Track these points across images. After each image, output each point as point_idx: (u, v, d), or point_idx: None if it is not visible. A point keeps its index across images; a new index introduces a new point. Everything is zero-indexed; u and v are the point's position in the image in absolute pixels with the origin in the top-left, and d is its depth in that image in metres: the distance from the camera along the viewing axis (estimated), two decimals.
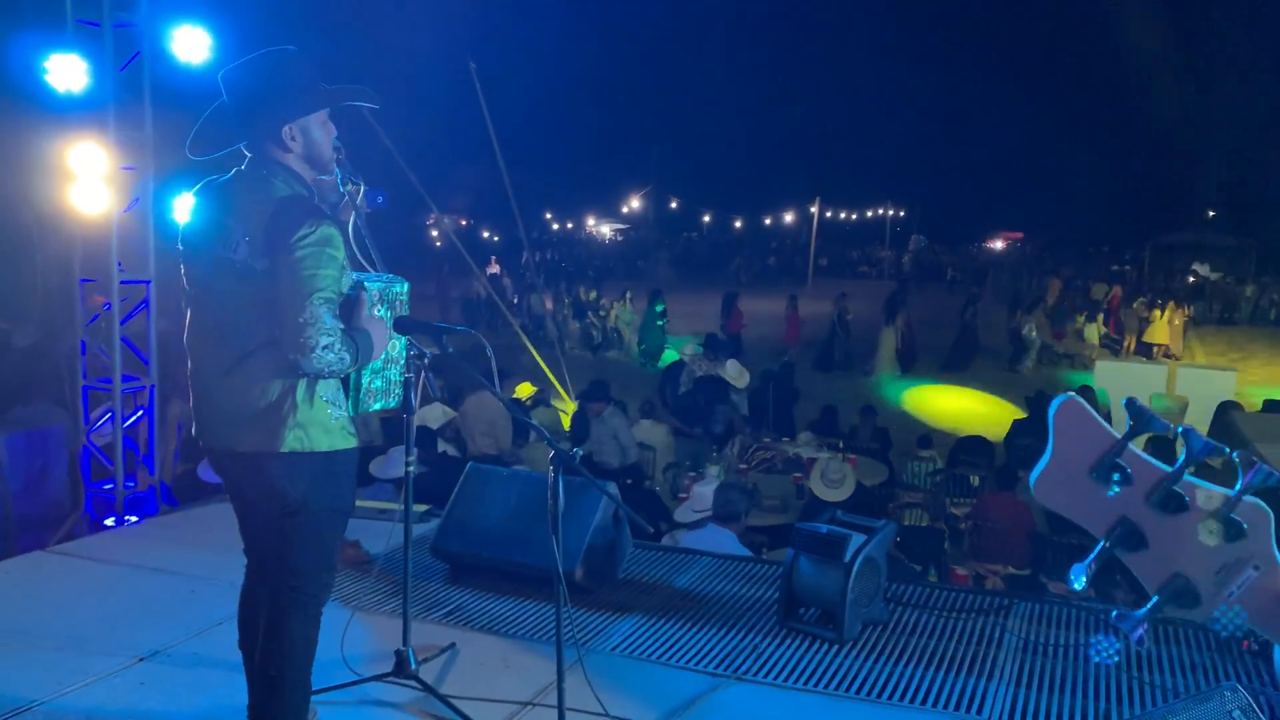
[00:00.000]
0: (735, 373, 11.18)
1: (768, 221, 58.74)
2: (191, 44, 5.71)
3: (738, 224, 58.21)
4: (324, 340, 2.47)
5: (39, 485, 6.69)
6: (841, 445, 10.09)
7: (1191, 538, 0.95)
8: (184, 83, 5.75)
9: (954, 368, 18.50)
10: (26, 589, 4.17)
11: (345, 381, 2.76)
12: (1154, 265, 34.96)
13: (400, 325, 2.83)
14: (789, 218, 55.22)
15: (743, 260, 38.44)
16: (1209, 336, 23.62)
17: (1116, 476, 1.01)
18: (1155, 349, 19.79)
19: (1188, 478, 0.99)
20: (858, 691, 3.32)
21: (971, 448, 10.41)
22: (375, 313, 2.74)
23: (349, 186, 3.23)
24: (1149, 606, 1.02)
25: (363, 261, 2.92)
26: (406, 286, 2.95)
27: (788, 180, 53.75)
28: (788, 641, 3.72)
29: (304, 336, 2.46)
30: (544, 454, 7.28)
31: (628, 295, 21.29)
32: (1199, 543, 0.95)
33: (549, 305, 21.18)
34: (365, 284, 2.72)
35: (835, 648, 3.64)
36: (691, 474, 8.37)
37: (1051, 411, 1.09)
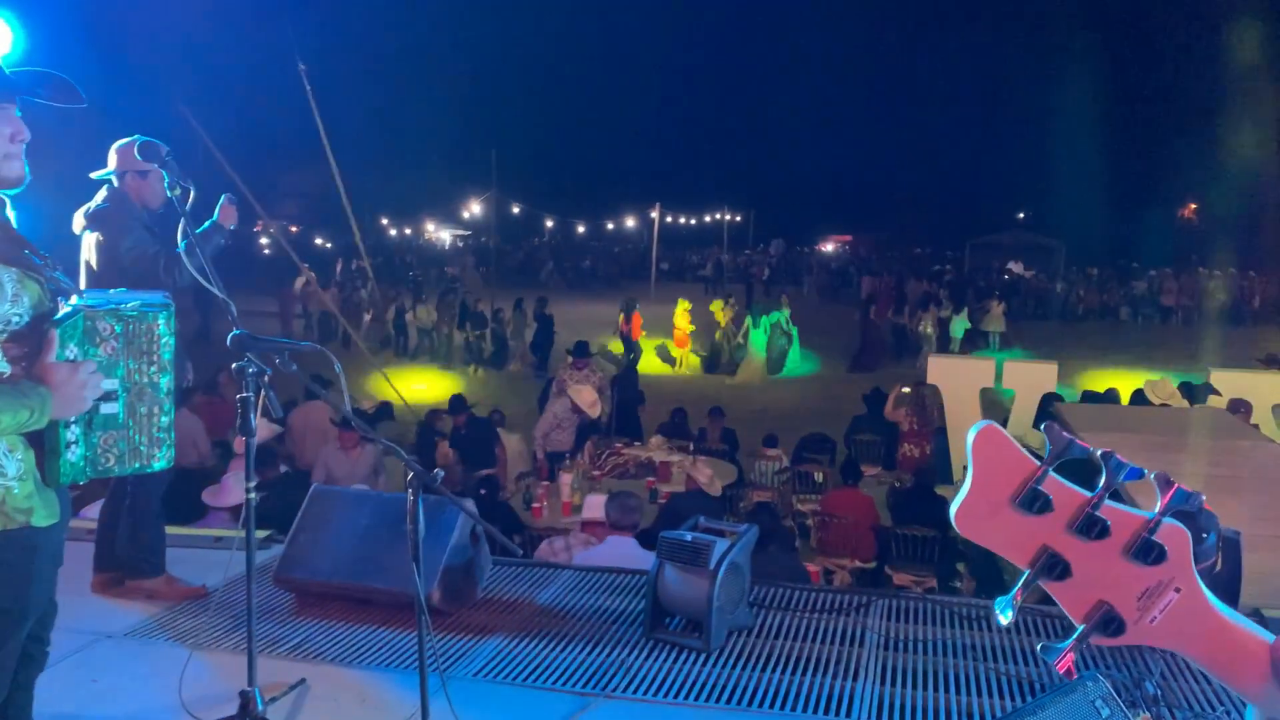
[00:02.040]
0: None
1: (609, 226, 59.11)
2: None
3: (580, 229, 58.36)
4: None
5: None
6: (691, 447, 10.17)
7: (1114, 562, 0.95)
8: None
9: (862, 368, 19.03)
10: None
11: (37, 441, 2.16)
12: (973, 264, 37.02)
13: (237, 343, 2.60)
14: (630, 222, 55.70)
15: (556, 264, 38.80)
16: (1025, 331, 25.10)
17: (1038, 505, 1.00)
18: (992, 336, 21.98)
19: (1108, 502, 0.99)
20: (727, 700, 3.29)
21: (814, 444, 10.69)
22: (69, 354, 2.15)
23: (176, 191, 2.99)
24: (1074, 636, 1.01)
25: (198, 279, 2.67)
26: (165, 315, 2.37)
27: (629, 185, 54.24)
28: (655, 653, 3.66)
29: None
30: (393, 466, 7.02)
31: (523, 304, 21.04)
32: (1120, 569, 0.95)
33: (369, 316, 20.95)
34: (58, 315, 2.18)
35: (703, 657, 3.61)
36: (545, 483, 8.25)
37: (970, 439, 1.07)
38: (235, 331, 2.64)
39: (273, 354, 2.68)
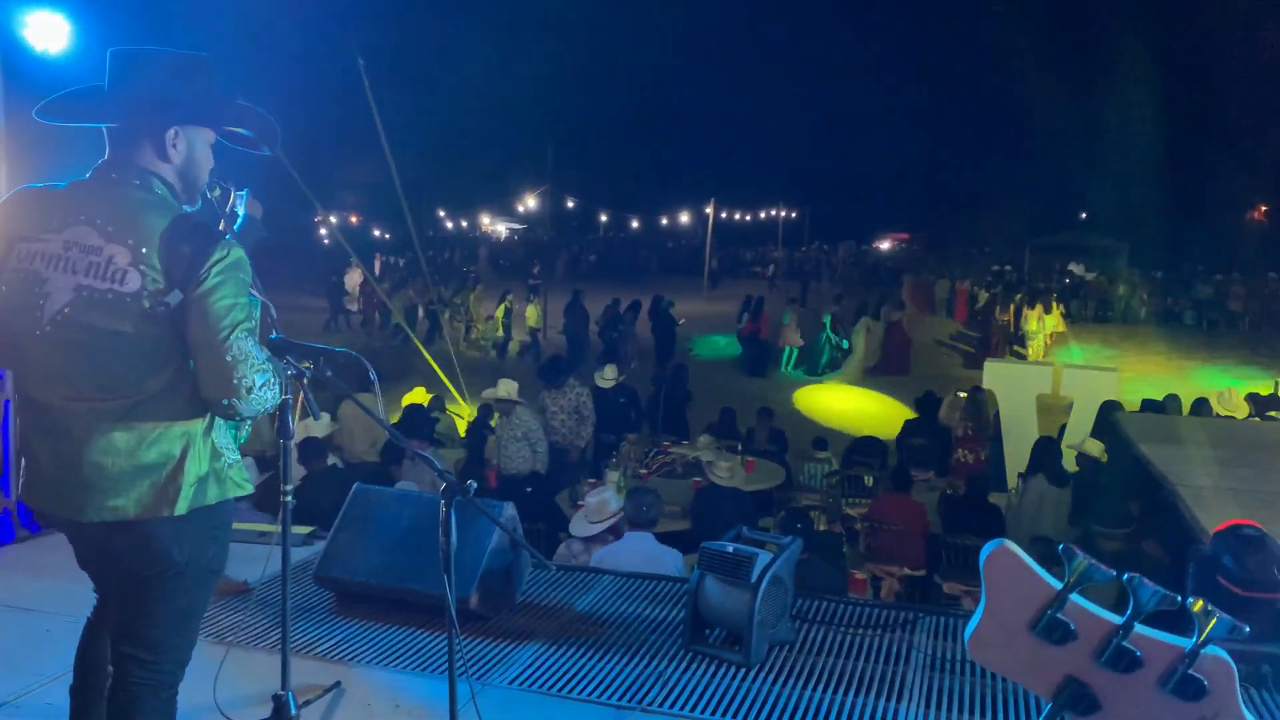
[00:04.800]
0: (610, 374, 11.12)
1: (664, 221, 59.02)
2: (48, 31, 5.27)
3: (635, 224, 58.36)
4: (259, 379, 2.17)
5: None
6: (739, 447, 10.08)
7: (1148, 697, 0.85)
8: (40, 73, 5.29)
9: (892, 371, 18.82)
10: None
11: None
12: (1032, 265, 36.27)
13: (274, 347, 2.57)
14: (685, 218, 55.56)
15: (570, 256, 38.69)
16: (1085, 334, 24.54)
17: (1058, 634, 0.90)
18: (1050, 338, 21.07)
19: (1139, 629, 0.89)
20: (767, 718, 3.21)
21: (865, 448, 10.52)
22: None
23: (216, 192, 2.97)
24: None
25: None
26: (258, 304, 2.69)
27: (684, 181, 54.11)
28: (694, 666, 3.58)
29: (236, 377, 2.14)
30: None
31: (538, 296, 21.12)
32: (1158, 703, 0.85)
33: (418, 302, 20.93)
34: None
35: (742, 671, 3.53)
36: (591, 480, 8.21)
37: (981, 561, 0.99)
38: (273, 335, 2.61)
39: (309, 359, 2.65)
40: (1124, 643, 0.91)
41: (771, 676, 3.50)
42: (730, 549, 3.64)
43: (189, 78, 2.31)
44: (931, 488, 9.44)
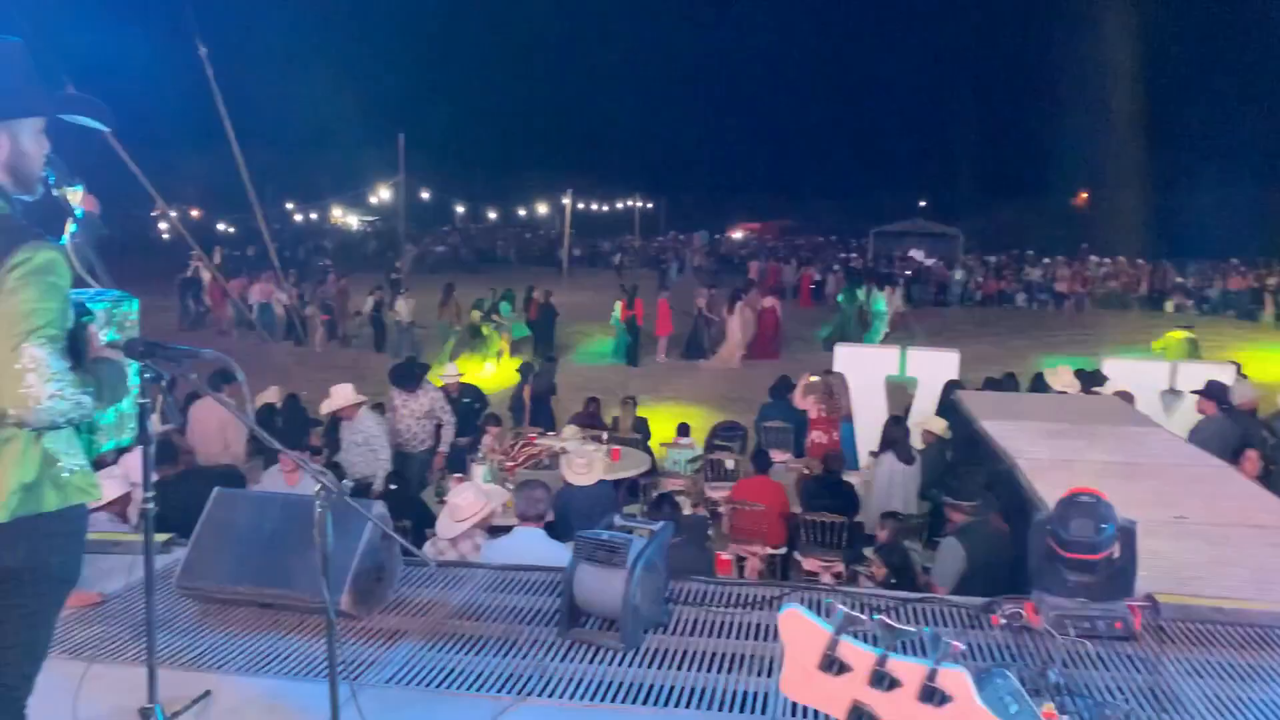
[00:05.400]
0: (451, 372, 11.10)
1: (522, 212, 58.66)
2: None
3: (492, 215, 57.76)
4: (50, 388, 2.07)
5: None
6: (605, 437, 10.18)
7: (911, 708, 1.08)
8: None
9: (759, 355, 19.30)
10: None
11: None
12: (876, 252, 37.77)
13: (131, 349, 2.49)
14: (542, 209, 55.36)
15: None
16: (926, 317, 25.74)
17: (836, 668, 1.12)
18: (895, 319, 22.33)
19: (893, 656, 1.11)
20: (645, 700, 3.30)
21: (726, 433, 10.80)
22: (102, 339, 2.36)
23: (62, 190, 2.84)
24: None
25: (85, 278, 2.56)
26: (136, 305, 2.62)
27: (542, 172, 53.78)
28: (572, 653, 3.64)
29: (24, 387, 2.05)
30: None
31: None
32: (918, 712, 1.08)
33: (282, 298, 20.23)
34: (88, 307, 2.36)
35: (620, 655, 3.61)
36: (457, 476, 8.15)
37: (779, 623, 1.22)
38: (131, 336, 2.53)
39: (172, 361, 2.57)
40: (882, 669, 1.13)
41: (648, 659, 3.60)
42: (604, 536, 3.71)
43: (3, 67, 2.24)
44: (790, 468, 9.78)
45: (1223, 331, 23.08)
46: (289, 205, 47.37)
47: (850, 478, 8.98)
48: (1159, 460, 6.51)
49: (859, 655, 1.17)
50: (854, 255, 37.24)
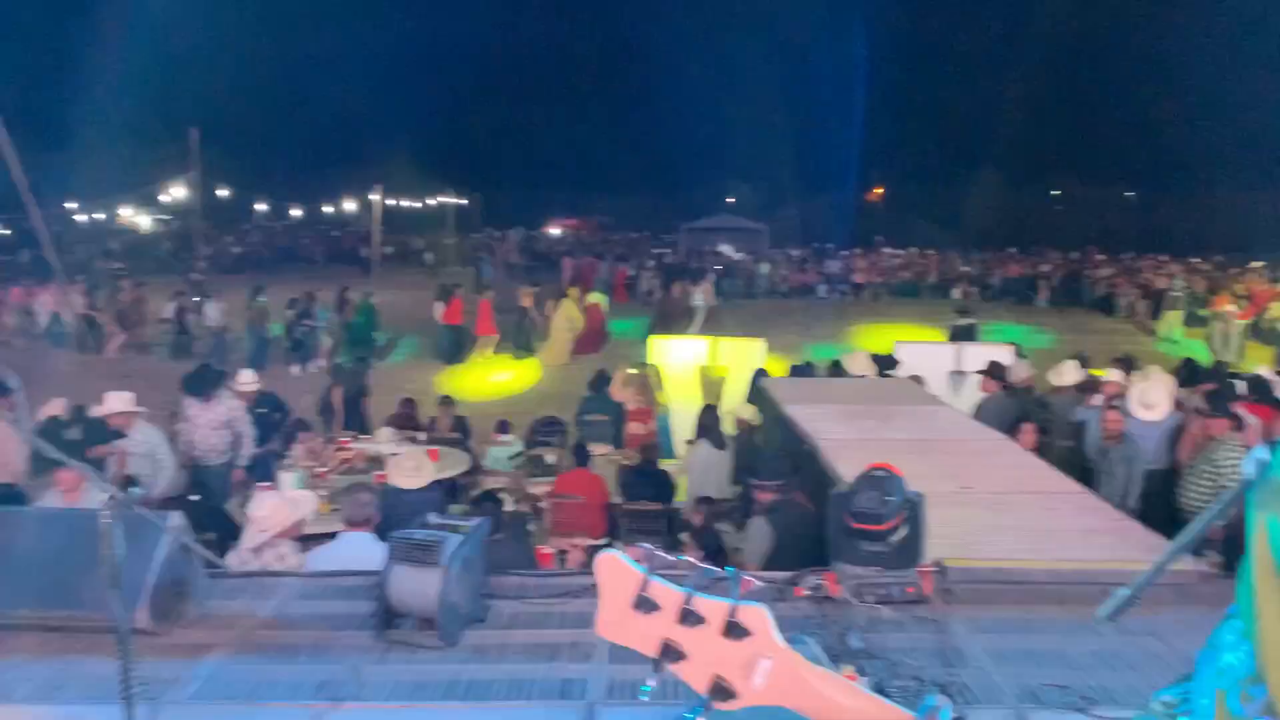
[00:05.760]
0: (247, 379, 10.44)
1: (329, 209, 56.67)
2: None
3: (297, 212, 55.52)
4: None
5: None
6: (423, 438, 10.02)
7: (715, 643, 1.19)
8: None
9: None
10: None
11: None
12: (688, 248, 38.69)
13: None
14: (351, 205, 53.66)
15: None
16: (736, 310, 26.56)
17: (647, 607, 1.21)
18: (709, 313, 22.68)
19: (696, 594, 1.21)
20: (464, 697, 3.29)
21: (546, 428, 10.84)
22: None
23: None
24: (700, 707, 1.22)
25: None
26: None
27: (350, 168, 52.07)
28: (389, 656, 3.59)
29: None
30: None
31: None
32: (720, 647, 1.19)
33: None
34: None
35: (439, 654, 3.58)
36: (264, 484, 7.83)
37: (595, 568, 1.29)
38: None
39: None
40: (689, 607, 1.23)
41: (466, 655, 3.59)
42: (419, 535, 3.68)
43: None
44: (610, 460, 9.93)
45: (1002, 315, 24.90)
46: (69, 205, 43.99)
47: (668, 466, 9.21)
48: (947, 436, 7.01)
49: (668, 595, 1.25)
50: (667, 251, 38.01)
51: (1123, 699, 3.30)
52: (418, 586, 3.64)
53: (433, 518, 3.91)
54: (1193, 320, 22.25)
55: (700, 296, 22.89)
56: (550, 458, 9.95)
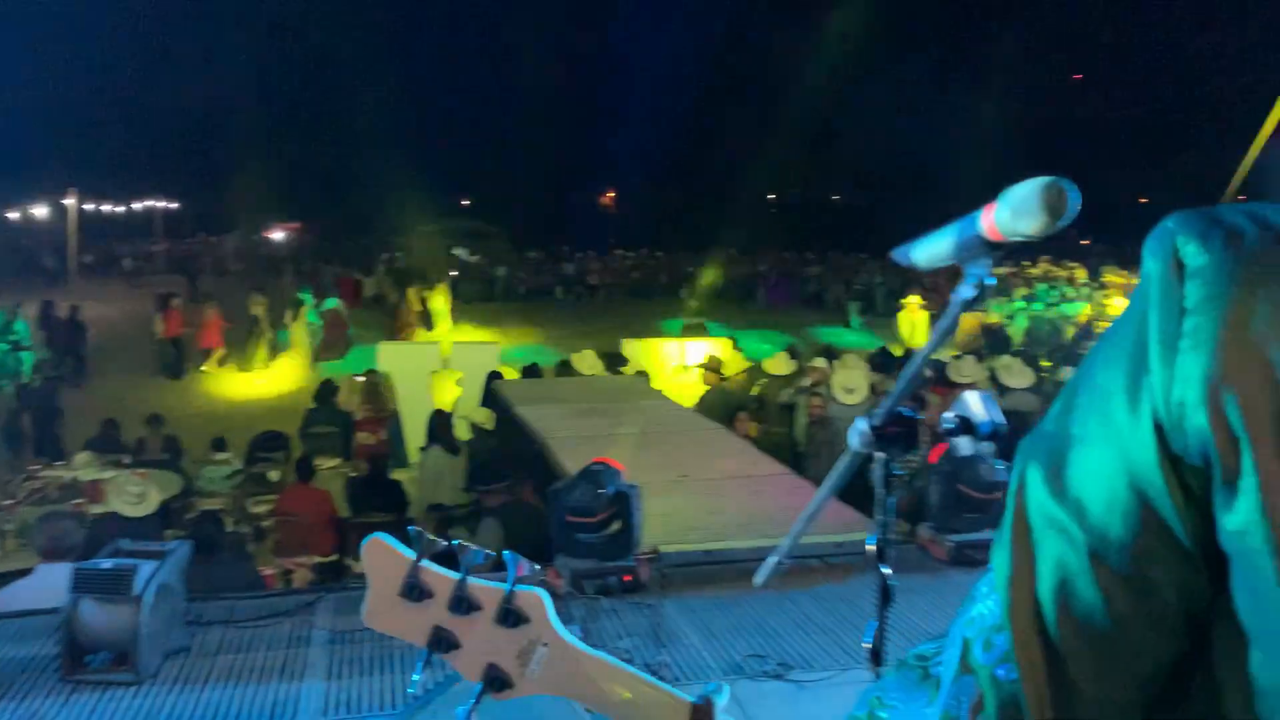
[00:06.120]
0: None
1: (14, 215, 50.96)
2: None
3: None
4: None
5: None
6: (130, 460, 9.27)
7: (489, 631, 1.15)
8: None
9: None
10: None
11: None
12: (420, 251, 37.97)
13: None
14: (40, 212, 48.56)
15: None
16: (473, 313, 26.40)
17: (417, 593, 1.15)
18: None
19: (471, 579, 1.17)
20: None
21: (267, 444, 10.31)
22: None
23: None
24: (474, 696, 1.17)
25: None
26: None
27: (36, 169, 47.05)
28: (76, 696, 3.31)
29: None
30: None
31: None
32: (495, 635, 1.15)
33: None
34: None
35: (134, 689, 3.34)
36: None
37: (362, 553, 1.21)
38: None
39: None
40: (462, 594, 1.19)
41: (166, 687, 3.38)
42: (107, 565, 3.41)
43: None
44: (338, 473, 9.59)
45: (727, 312, 26.24)
46: None
47: (401, 475, 9.03)
48: (668, 428, 7.32)
49: (440, 580, 1.19)
50: (398, 255, 37.17)
51: (817, 661, 3.60)
52: (109, 620, 3.38)
53: (125, 544, 3.64)
54: (888, 311, 24.43)
55: (436, 300, 22.57)
56: (273, 474, 9.49)
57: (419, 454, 9.88)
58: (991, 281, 0.98)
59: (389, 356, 11.38)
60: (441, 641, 1.24)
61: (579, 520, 3.86)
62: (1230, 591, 0.68)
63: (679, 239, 41.11)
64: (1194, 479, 0.67)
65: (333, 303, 20.35)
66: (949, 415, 1.32)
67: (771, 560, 1.67)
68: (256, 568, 7.20)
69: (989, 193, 0.96)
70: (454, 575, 1.23)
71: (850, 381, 9.08)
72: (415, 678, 1.39)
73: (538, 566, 1.60)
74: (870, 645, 1.36)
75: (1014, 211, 0.91)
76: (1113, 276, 23.35)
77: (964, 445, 1.30)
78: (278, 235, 50.67)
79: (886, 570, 1.36)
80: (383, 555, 1.24)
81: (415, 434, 10.56)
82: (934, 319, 22.09)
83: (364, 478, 8.72)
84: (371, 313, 24.81)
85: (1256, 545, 0.64)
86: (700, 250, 39.09)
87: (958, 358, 10.42)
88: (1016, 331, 16.83)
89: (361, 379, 10.71)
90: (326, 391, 11.07)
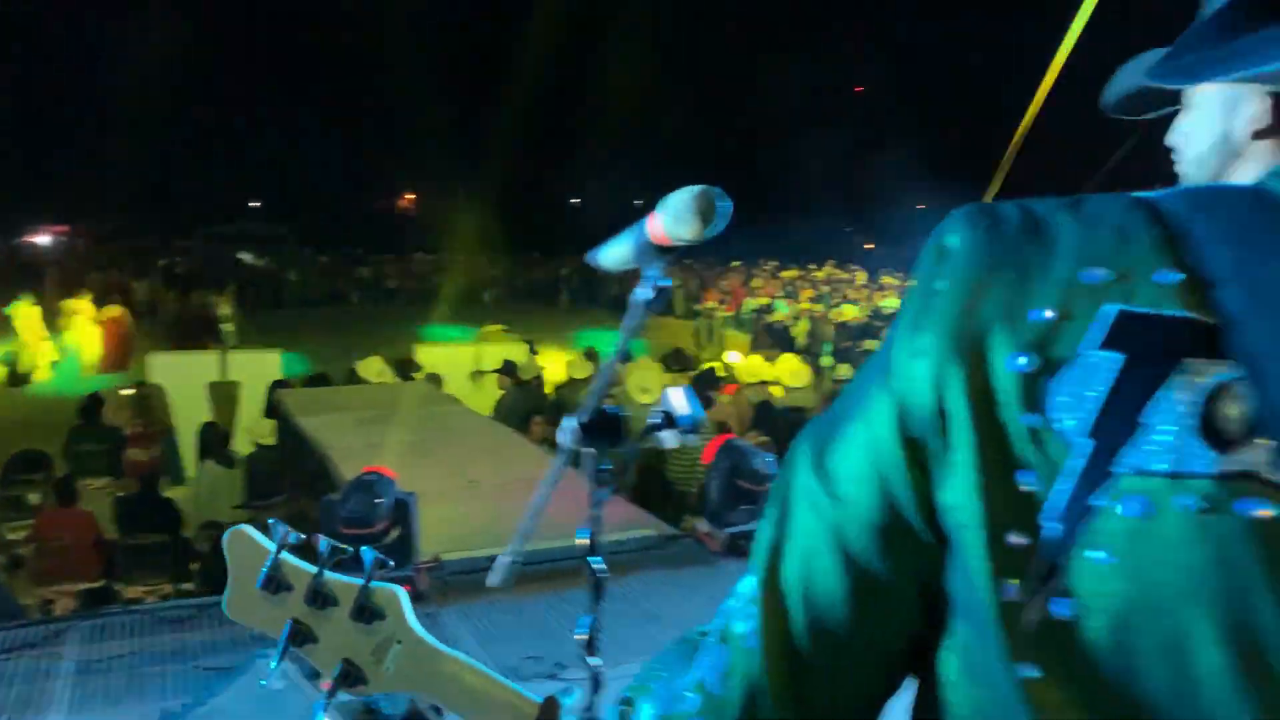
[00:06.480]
0: None
1: None
2: None
3: None
4: None
5: None
6: None
7: (345, 627, 1.12)
8: None
9: None
10: None
11: None
12: (206, 256, 35.97)
13: None
14: None
15: None
16: (261, 320, 25.22)
17: (275, 586, 1.11)
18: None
19: (329, 574, 1.13)
20: None
21: (24, 464, 9.52)
22: None
23: None
24: (329, 692, 1.12)
25: None
26: None
27: None
28: None
29: None
30: None
31: None
32: (352, 630, 1.12)
33: None
34: None
35: None
36: None
37: (224, 544, 1.16)
38: None
39: None
40: (319, 588, 1.17)
41: None
42: None
43: None
44: (107, 492, 8.97)
45: (531, 314, 26.22)
46: None
47: (180, 492, 8.55)
48: (458, 435, 7.26)
49: (298, 574, 1.15)
50: (178, 259, 35.04)
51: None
52: None
53: None
54: (687, 314, 25.08)
55: (220, 307, 21.41)
56: (33, 496, 8.78)
57: (197, 466, 9.38)
58: (667, 283, 1.03)
59: (161, 367, 10.72)
60: (297, 634, 1.21)
61: (354, 532, 3.77)
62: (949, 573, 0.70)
63: (480, 242, 40.73)
64: (931, 461, 0.69)
65: (113, 310, 18.99)
66: (655, 410, 1.38)
67: (504, 560, 1.70)
68: (14, 598, 6.66)
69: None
70: (312, 569, 1.21)
71: (645, 381, 9.28)
72: (273, 666, 1.35)
73: (392, 562, 1.59)
74: (585, 637, 1.40)
75: (674, 218, 0.97)
76: (889, 279, 24.88)
77: (668, 438, 1.37)
78: (43, 239, 46.76)
79: (598, 563, 1.41)
80: (244, 546, 1.22)
81: (192, 449, 10.01)
82: (732, 320, 22.84)
83: (134, 496, 8.19)
84: (146, 321, 23.28)
85: (966, 520, 0.67)
86: (502, 254, 38.87)
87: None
88: (799, 331, 17.67)
89: (130, 392, 10.04)
90: (92, 406, 10.31)
